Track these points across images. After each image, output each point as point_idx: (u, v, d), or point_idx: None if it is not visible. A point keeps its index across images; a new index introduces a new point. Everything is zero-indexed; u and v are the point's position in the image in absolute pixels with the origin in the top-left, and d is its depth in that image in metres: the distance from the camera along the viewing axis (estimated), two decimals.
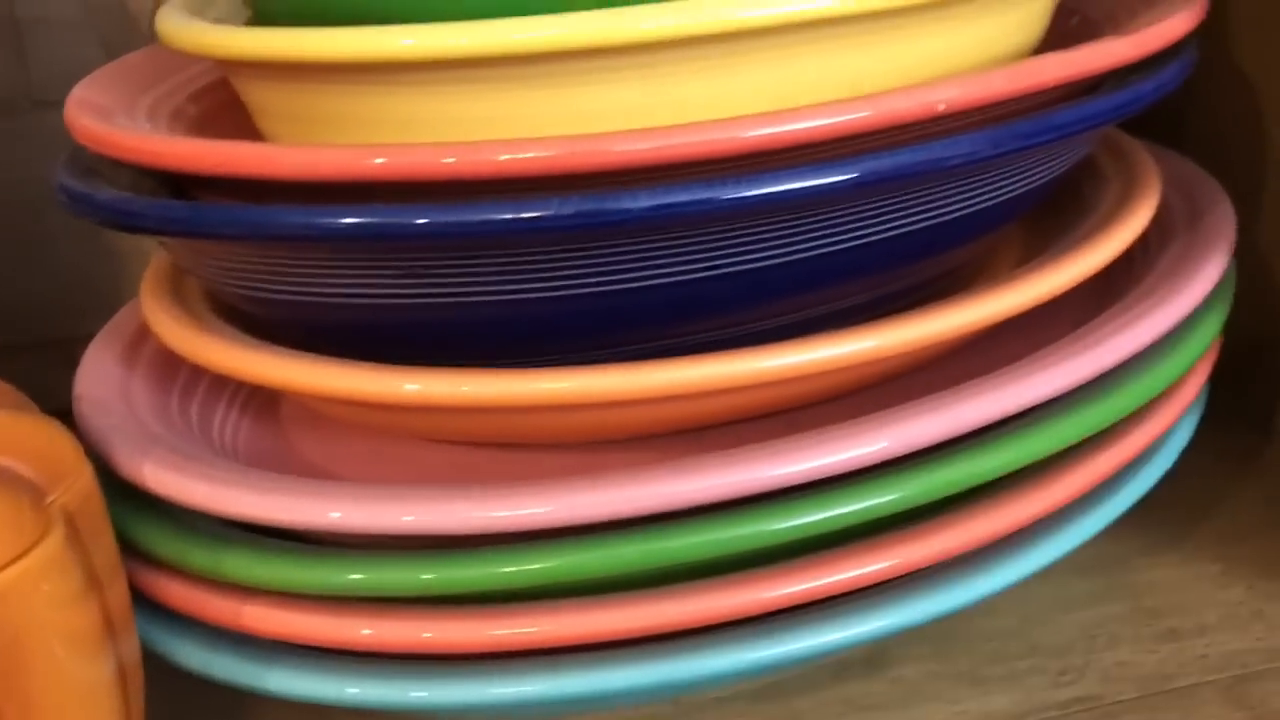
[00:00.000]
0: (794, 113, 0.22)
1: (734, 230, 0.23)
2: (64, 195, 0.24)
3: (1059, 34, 0.29)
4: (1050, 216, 0.31)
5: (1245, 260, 0.32)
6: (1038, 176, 0.27)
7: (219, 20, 0.25)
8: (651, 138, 0.21)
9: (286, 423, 0.29)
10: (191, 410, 0.27)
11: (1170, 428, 0.28)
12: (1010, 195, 0.26)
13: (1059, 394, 0.25)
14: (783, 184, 0.21)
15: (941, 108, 0.22)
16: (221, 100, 0.27)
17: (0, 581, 0.19)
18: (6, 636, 0.19)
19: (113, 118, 0.25)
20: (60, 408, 0.24)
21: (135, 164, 0.23)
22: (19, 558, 0.19)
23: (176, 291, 0.27)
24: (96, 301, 0.30)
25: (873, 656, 0.28)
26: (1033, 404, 0.24)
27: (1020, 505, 0.25)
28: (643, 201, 0.21)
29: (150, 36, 0.37)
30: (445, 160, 0.21)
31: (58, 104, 0.36)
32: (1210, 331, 0.28)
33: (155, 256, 0.28)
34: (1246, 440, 0.34)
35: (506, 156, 0.21)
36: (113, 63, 0.28)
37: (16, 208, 0.37)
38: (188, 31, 0.24)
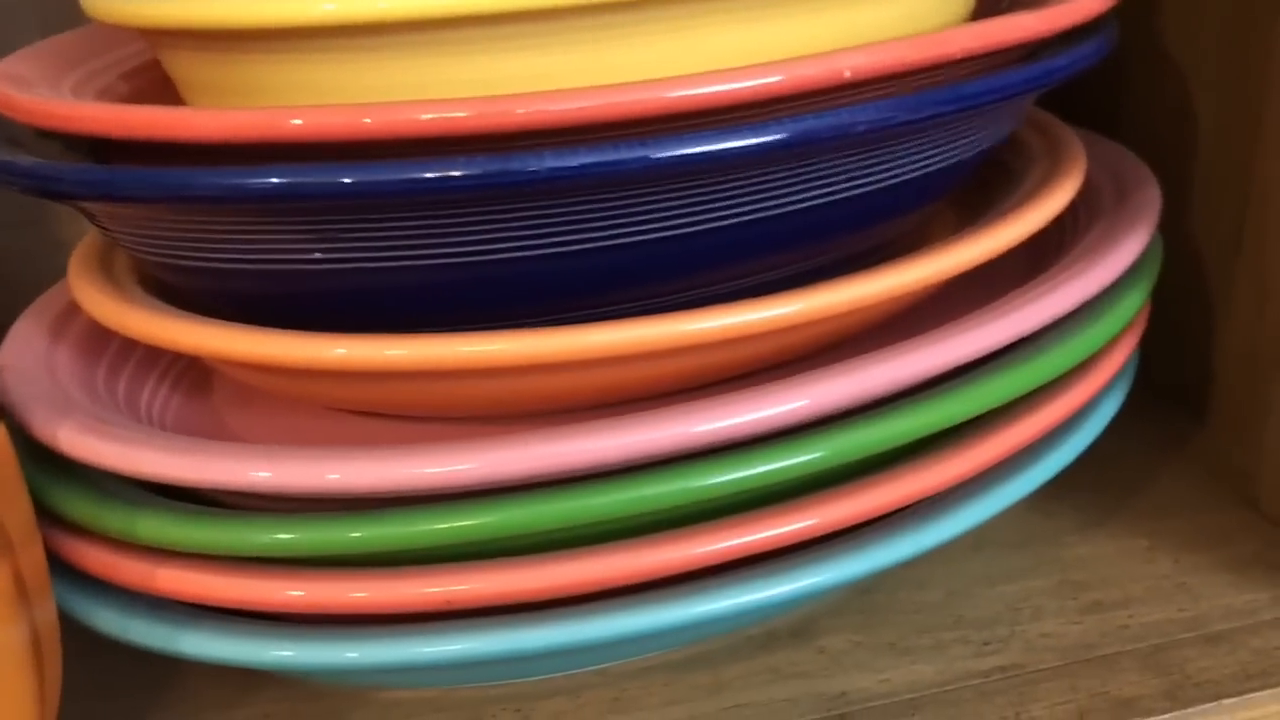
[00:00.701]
0: (704, 76, 0.22)
1: (647, 195, 0.23)
2: None
3: (990, 13, 0.29)
4: (981, 197, 0.32)
5: (1175, 247, 0.33)
6: (958, 151, 0.27)
7: None
8: (560, 99, 0.21)
9: (217, 401, 0.29)
10: (118, 386, 0.27)
11: (1095, 396, 0.28)
12: (931, 169, 0.27)
13: (976, 357, 0.25)
14: (690, 147, 0.21)
15: (847, 74, 0.22)
16: (153, 80, 0.28)
17: None
18: None
19: (34, 88, 0.25)
20: None
21: (52, 130, 0.23)
22: None
23: (105, 268, 0.27)
24: (35, 292, 0.30)
25: (799, 627, 0.28)
26: (950, 366, 0.25)
27: (944, 467, 0.25)
28: (548, 162, 0.21)
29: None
30: (363, 120, 0.21)
31: None
32: (1133, 304, 0.29)
33: (87, 235, 0.28)
34: (1179, 424, 0.34)
35: (428, 116, 0.21)
36: (42, 41, 0.28)
37: None
38: (114, 5, 0.24)
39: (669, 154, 0.21)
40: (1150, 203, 0.30)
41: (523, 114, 0.21)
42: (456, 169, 0.21)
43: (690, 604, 0.24)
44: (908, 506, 0.26)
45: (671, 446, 0.23)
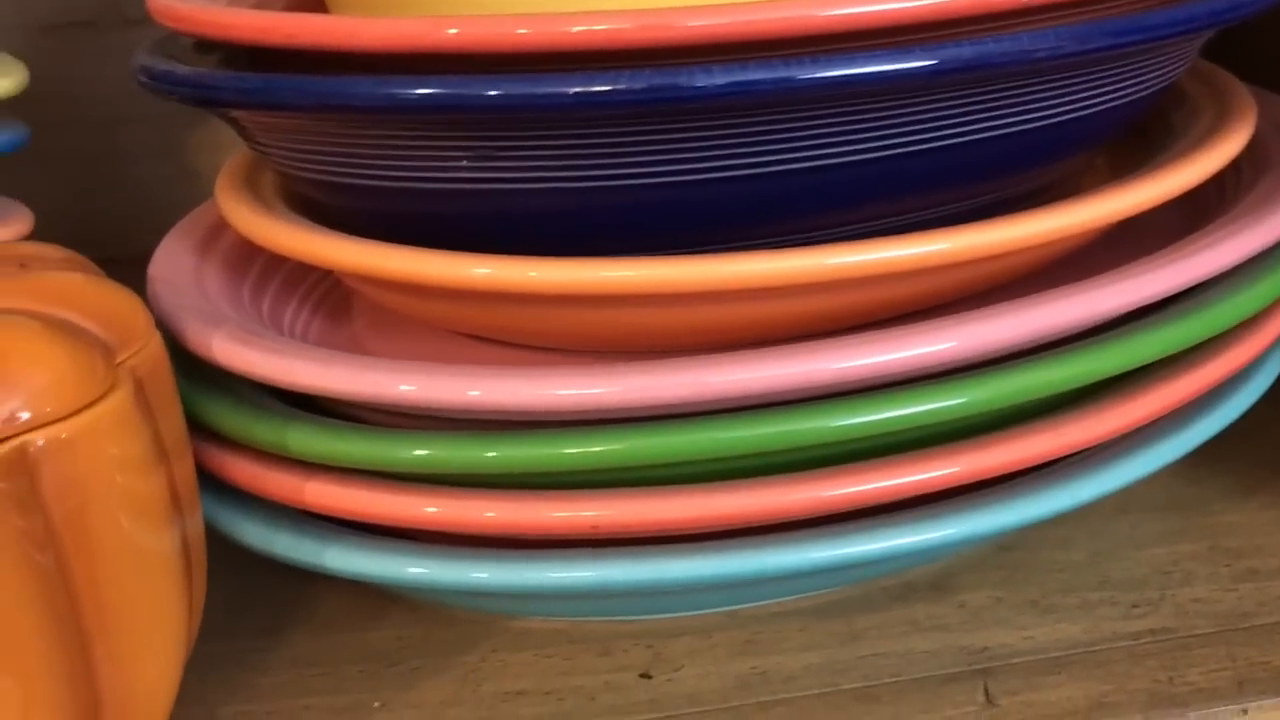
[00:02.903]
0: None
1: (808, 119, 0.22)
2: (144, 75, 0.24)
3: None
4: (1142, 149, 0.31)
5: None
6: (1128, 89, 0.26)
7: None
8: (727, 14, 0.20)
9: (357, 326, 0.29)
10: (263, 304, 0.27)
11: (1257, 357, 0.27)
12: (1099, 108, 0.26)
13: (1133, 308, 0.24)
14: (859, 67, 0.21)
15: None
16: None
17: (69, 428, 0.19)
18: (76, 499, 0.19)
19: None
20: None
21: (209, 37, 0.23)
22: (87, 406, 0.19)
23: (251, 186, 0.27)
24: (171, 221, 0.31)
25: (939, 580, 0.27)
26: (1106, 316, 0.24)
27: (1095, 422, 0.24)
28: (717, 78, 0.20)
29: None
30: (519, 31, 0.21)
31: (143, 22, 0.37)
32: None
33: (234, 156, 0.28)
34: None
35: (579, 28, 0.20)
36: None
37: (98, 125, 0.37)
38: None
39: (839, 73, 0.21)
40: None
41: (692, 27, 0.20)
42: (604, 83, 0.20)
43: (829, 546, 0.23)
44: (1056, 461, 0.25)
45: (814, 382, 0.22)
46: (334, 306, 0.29)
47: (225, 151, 0.32)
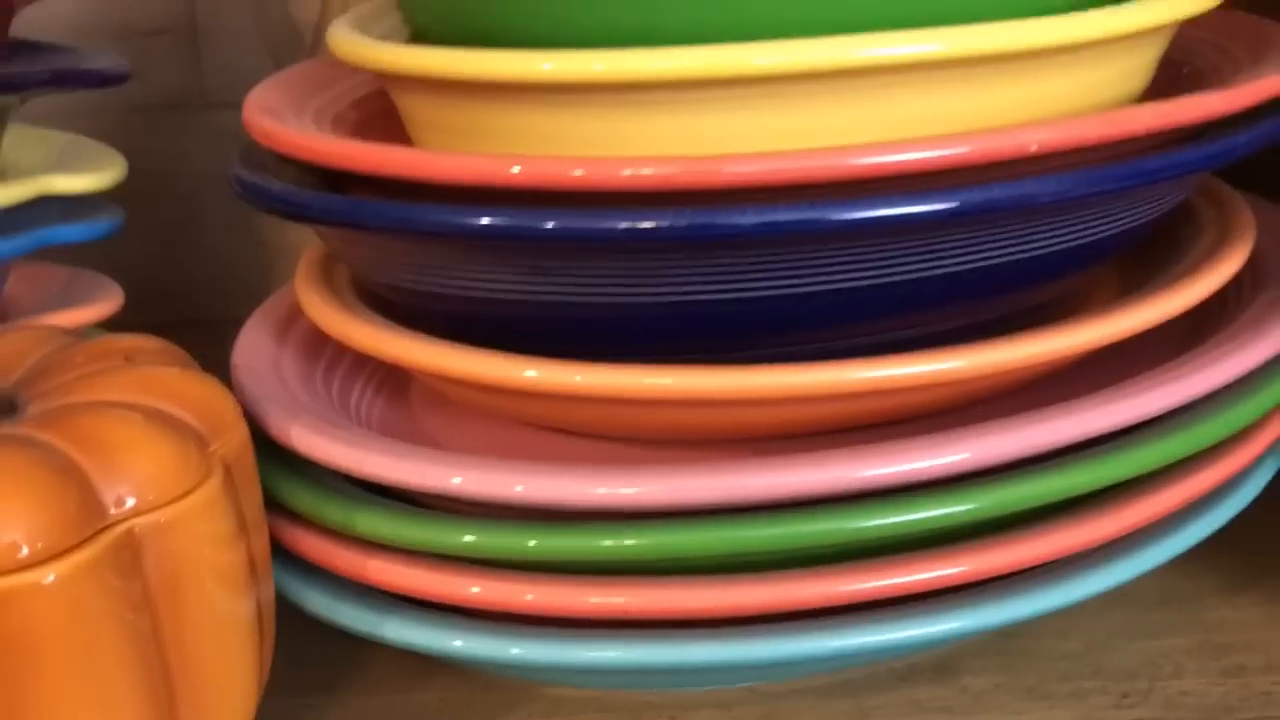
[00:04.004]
0: (897, 144, 0.24)
1: (836, 250, 0.25)
2: (238, 186, 0.27)
3: (1170, 80, 0.30)
4: (1147, 260, 0.33)
5: None
6: (1130, 219, 0.28)
7: (384, 36, 0.28)
8: (762, 161, 0.23)
9: (415, 403, 0.31)
10: (333, 385, 0.30)
11: (1247, 467, 0.29)
12: (1103, 235, 0.28)
13: (1133, 423, 0.26)
14: (883, 209, 0.23)
15: (1034, 148, 0.24)
16: (379, 108, 0.30)
17: (169, 514, 0.22)
18: (170, 569, 0.22)
19: (284, 119, 0.28)
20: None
21: (303, 161, 0.26)
22: (185, 495, 0.22)
23: (327, 278, 0.29)
24: (243, 287, 0.33)
25: (942, 664, 0.30)
26: (1104, 431, 0.26)
27: (1094, 526, 0.26)
28: (750, 218, 0.23)
29: (311, 48, 0.40)
30: (574, 172, 0.23)
31: (225, 105, 0.40)
32: None
33: (309, 247, 0.31)
34: None
35: (629, 172, 0.23)
36: (285, 70, 0.31)
37: (177, 198, 0.40)
38: (355, 46, 0.27)
39: (862, 215, 0.23)
40: None
41: (729, 173, 0.23)
42: (650, 220, 0.23)
43: (842, 635, 0.25)
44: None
45: (835, 488, 0.24)
46: (395, 385, 0.32)
47: (294, 226, 0.34)
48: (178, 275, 0.41)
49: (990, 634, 0.30)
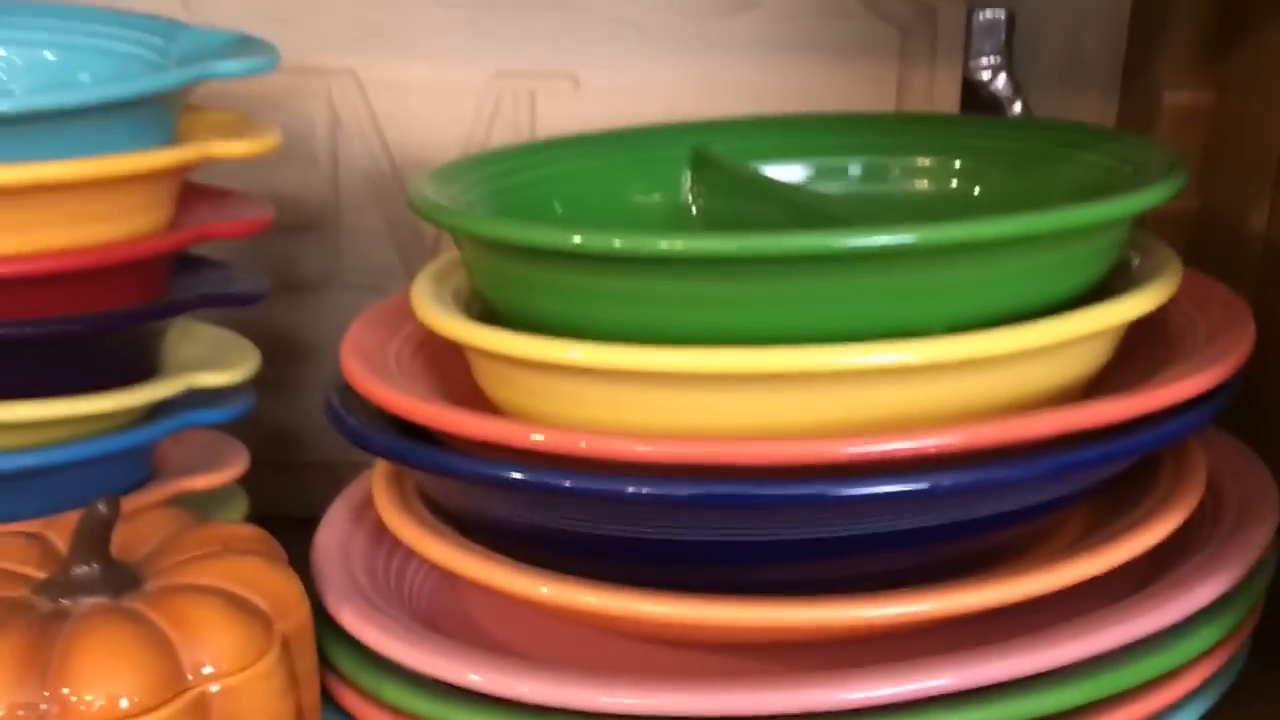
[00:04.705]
0: (884, 435, 0.29)
1: (829, 515, 0.30)
2: (329, 413, 0.34)
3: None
4: (1113, 495, 0.37)
5: None
6: (1068, 486, 0.33)
7: (456, 292, 0.35)
8: (774, 447, 0.29)
9: (463, 588, 0.38)
10: (392, 566, 0.37)
11: (1181, 699, 0.33)
12: (1056, 497, 0.33)
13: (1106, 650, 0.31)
14: (870, 488, 0.29)
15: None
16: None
17: (238, 680, 0.29)
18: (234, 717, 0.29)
19: (370, 357, 0.35)
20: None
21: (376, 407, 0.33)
22: (250, 665, 0.29)
23: (399, 486, 0.36)
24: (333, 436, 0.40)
25: None
26: (1058, 665, 0.31)
27: None
28: (768, 490, 0.29)
29: (432, 247, 0.48)
30: (580, 445, 0.30)
31: (356, 287, 0.47)
32: (1211, 636, 0.33)
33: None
34: None
35: (642, 448, 0.29)
36: (380, 303, 0.39)
37: (289, 358, 0.48)
38: (425, 310, 0.34)
39: (857, 492, 0.29)
40: (1258, 540, 0.34)
41: (740, 454, 0.29)
42: (657, 487, 0.29)
43: None
44: None
45: (832, 707, 0.30)
46: (445, 573, 0.38)
47: None
48: (292, 421, 0.49)
49: None
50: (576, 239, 0.30)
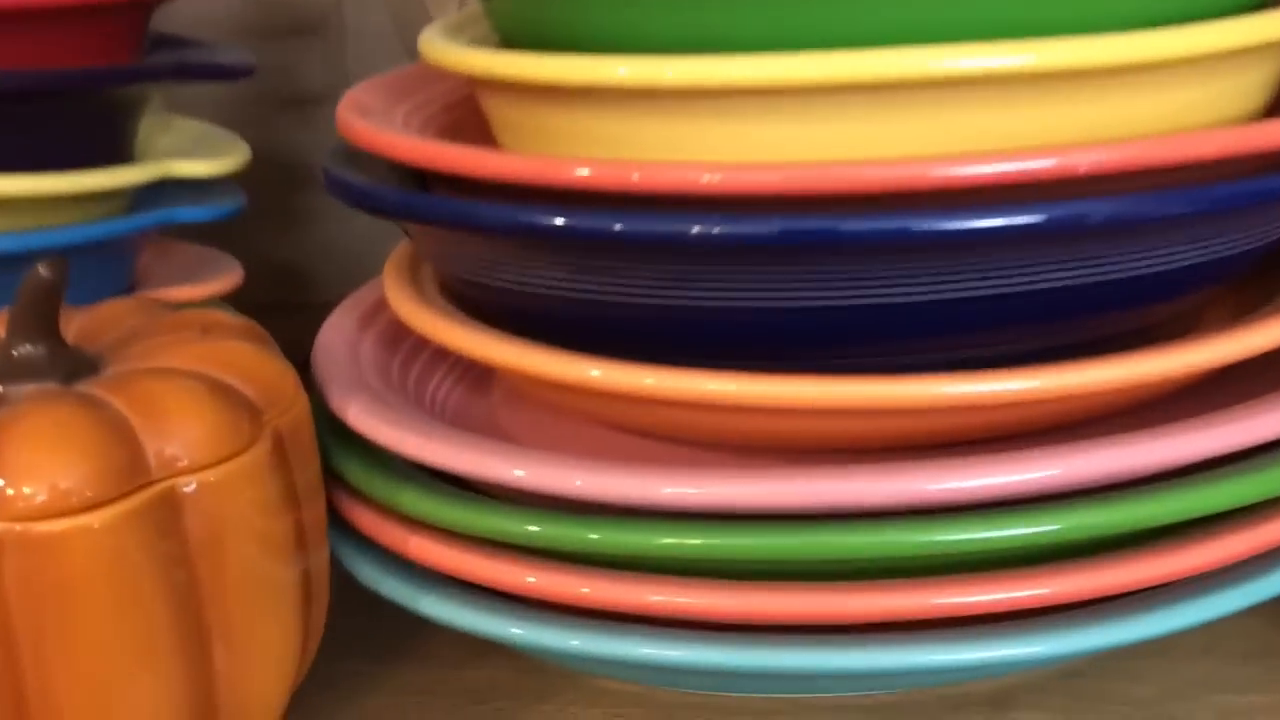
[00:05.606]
0: (986, 156, 0.23)
1: (919, 261, 0.24)
2: (327, 179, 0.28)
3: None
4: (1263, 282, 0.31)
5: None
6: (1236, 244, 0.27)
7: (473, 41, 0.29)
8: (859, 169, 0.23)
9: (494, 399, 0.32)
10: (410, 375, 0.31)
11: None
12: (1204, 259, 0.27)
13: (1235, 450, 0.25)
14: (972, 221, 0.23)
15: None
16: (470, 111, 0.31)
17: (213, 475, 0.23)
18: (213, 529, 0.23)
19: (374, 118, 0.29)
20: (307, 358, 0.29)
21: (385, 158, 0.27)
22: (230, 458, 0.23)
23: (414, 275, 0.31)
24: (343, 275, 0.35)
25: (998, 697, 0.29)
26: (1202, 457, 0.25)
27: (1180, 557, 0.25)
28: (849, 225, 0.23)
29: None
30: (633, 176, 0.24)
31: None
32: None
33: (400, 245, 0.33)
34: None
35: (691, 175, 0.24)
36: (385, 74, 0.33)
37: (294, 185, 0.43)
38: (439, 49, 0.28)
39: (960, 225, 0.23)
40: None
41: (816, 179, 0.23)
42: (687, 223, 0.23)
43: (896, 653, 0.25)
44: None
45: (909, 500, 0.24)
46: (475, 379, 0.33)
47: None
48: (286, 258, 0.43)
49: (1054, 672, 0.29)
50: None
